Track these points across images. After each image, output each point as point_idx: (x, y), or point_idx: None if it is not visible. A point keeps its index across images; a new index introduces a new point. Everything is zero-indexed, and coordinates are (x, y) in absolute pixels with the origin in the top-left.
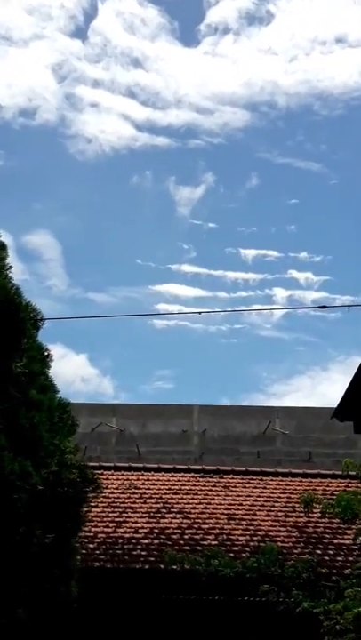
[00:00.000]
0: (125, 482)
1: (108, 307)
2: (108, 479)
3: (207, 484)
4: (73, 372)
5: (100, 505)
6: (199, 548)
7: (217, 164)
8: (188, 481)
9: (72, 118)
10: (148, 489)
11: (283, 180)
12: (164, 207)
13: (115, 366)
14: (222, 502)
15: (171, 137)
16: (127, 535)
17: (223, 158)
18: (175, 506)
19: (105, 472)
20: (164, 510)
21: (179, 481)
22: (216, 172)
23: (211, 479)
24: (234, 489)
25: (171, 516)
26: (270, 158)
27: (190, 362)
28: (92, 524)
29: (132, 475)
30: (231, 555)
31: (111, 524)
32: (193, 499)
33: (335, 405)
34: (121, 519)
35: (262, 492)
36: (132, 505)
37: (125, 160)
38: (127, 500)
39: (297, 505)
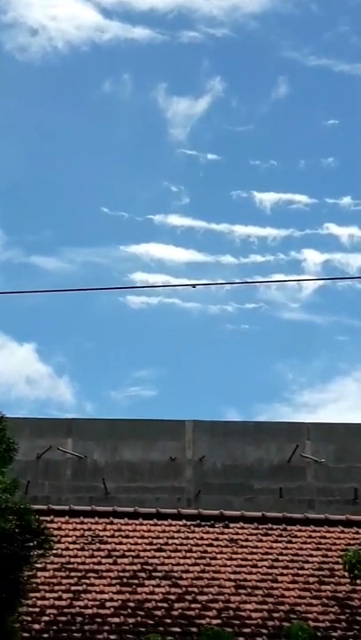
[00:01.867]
0: (87, 533)
1: (61, 277)
2: (61, 529)
3: (206, 535)
4: (14, 371)
5: (49, 567)
6: (194, 629)
7: (228, 67)
8: (179, 532)
9: None
10: (120, 543)
11: (317, 92)
12: (148, 129)
13: (73, 363)
14: (228, 563)
15: (153, 27)
16: (89, 611)
17: (233, 59)
18: (159, 568)
19: (57, 519)
20: (143, 575)
21: (164, 532)
22: (227, 78)
23: (211, 529)
24: (245, 543)
25: (153, 582)
26: (299, 59)
27: (182, 358)
28: (39, 594)
29: (97, 523)
30: (241, 639)
31: (66, 595)
32: (185, 558)
33: None
34: (80, 587)
35: (286, 549)
36: (97, 567)
37: (88, 61)
38: (89, 560)
39: (337, 567)
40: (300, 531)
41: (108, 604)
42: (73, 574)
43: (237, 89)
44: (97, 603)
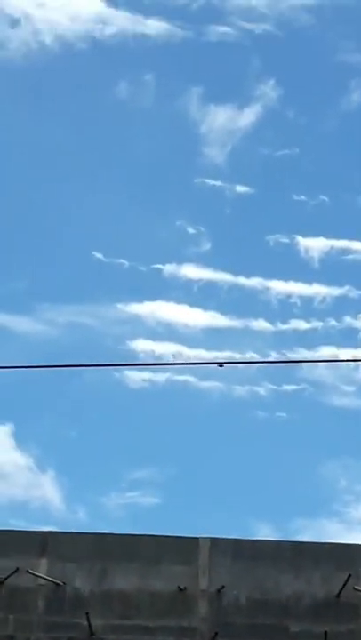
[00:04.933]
0: None
1: (37, 342)
2: None
3: None
4: None
5: None
6: None
7: (280, 69)
8: None
9: None
10: None
11: None
12: (169, 149)
13: (54, 458)
14: None
15: (171, 20)
16: None
17: (284, 59)
18: None
19: None
20: None
21: None
22: (283, 80)
23: None
24: None
25: None
26: None
27: (196, 454)
28: None
29: None
30: None
31: None
32: None
33: None
34: None
35: None
36: None
37: (85, 61)
38: None
39: None
40: None
41: None
42: None
43: (296, 96)
44: None
